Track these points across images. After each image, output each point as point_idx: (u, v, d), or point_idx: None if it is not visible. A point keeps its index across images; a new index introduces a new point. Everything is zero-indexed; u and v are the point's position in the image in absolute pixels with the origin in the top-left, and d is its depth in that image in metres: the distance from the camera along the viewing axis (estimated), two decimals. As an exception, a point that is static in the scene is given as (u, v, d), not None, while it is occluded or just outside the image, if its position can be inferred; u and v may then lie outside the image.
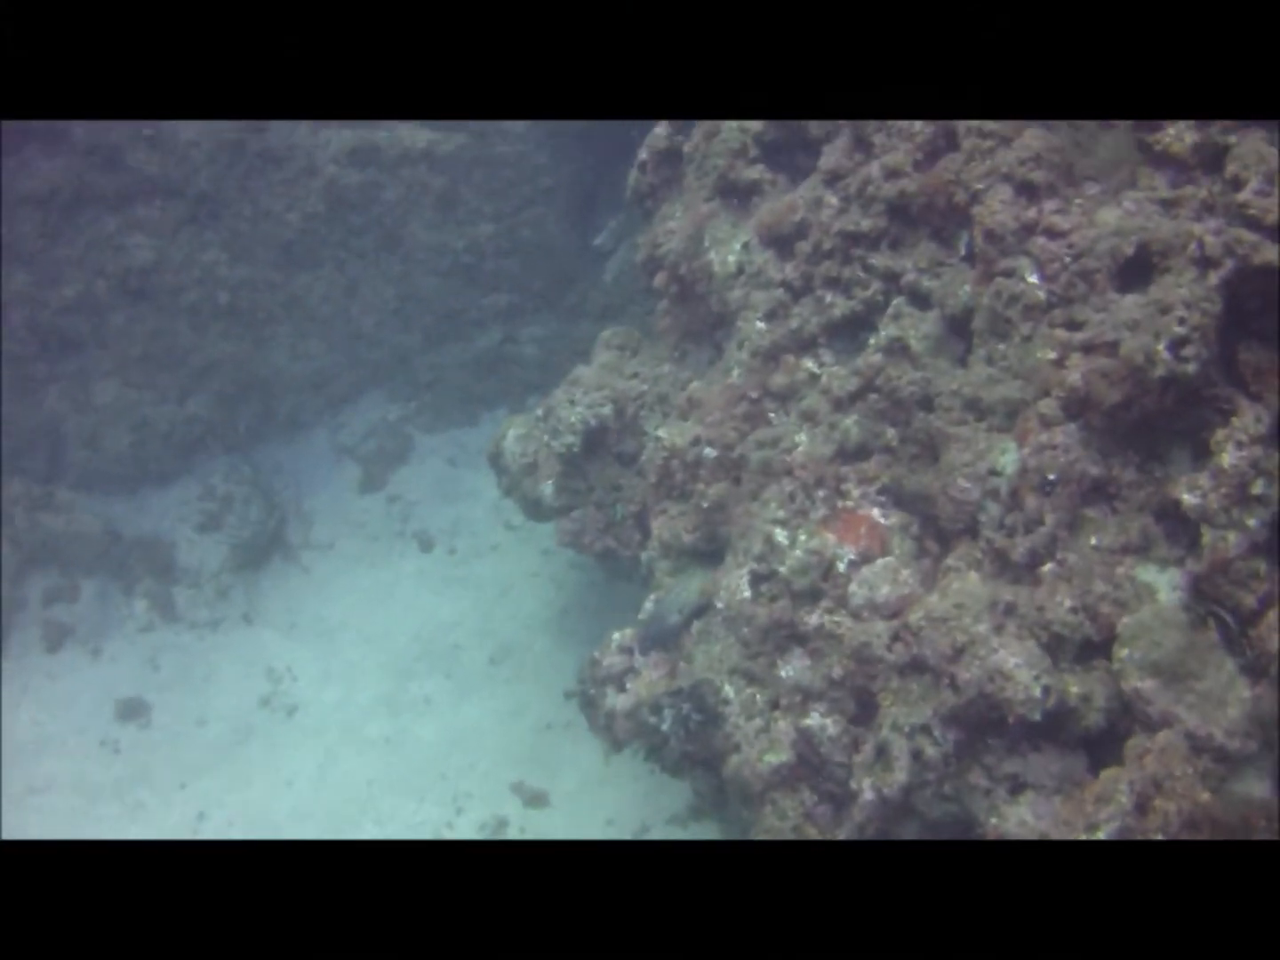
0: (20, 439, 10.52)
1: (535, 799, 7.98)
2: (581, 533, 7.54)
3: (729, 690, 5.74)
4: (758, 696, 5.65)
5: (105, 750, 9.21)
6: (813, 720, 5.37)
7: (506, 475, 7.93)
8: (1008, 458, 4.93)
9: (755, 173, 6.62)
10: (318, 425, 11.07)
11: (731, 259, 6.44)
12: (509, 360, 10.83)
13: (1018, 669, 4.60)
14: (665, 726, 5.80)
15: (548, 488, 7.54)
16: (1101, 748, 4.66)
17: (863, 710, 5.26)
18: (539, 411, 7.62)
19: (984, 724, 4.76)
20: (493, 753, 8.34)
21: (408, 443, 10.88)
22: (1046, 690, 4.55)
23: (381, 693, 9.05)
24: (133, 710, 9.48)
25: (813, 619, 5.46)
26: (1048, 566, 4.78)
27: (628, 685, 6.35)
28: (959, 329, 5.38)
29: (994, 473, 4.98)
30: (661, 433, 6.51)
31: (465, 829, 7.98)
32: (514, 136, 10.19)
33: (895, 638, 5.07)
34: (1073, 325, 4.81)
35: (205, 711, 9.33)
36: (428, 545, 10.07)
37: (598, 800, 7.76)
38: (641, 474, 6.88)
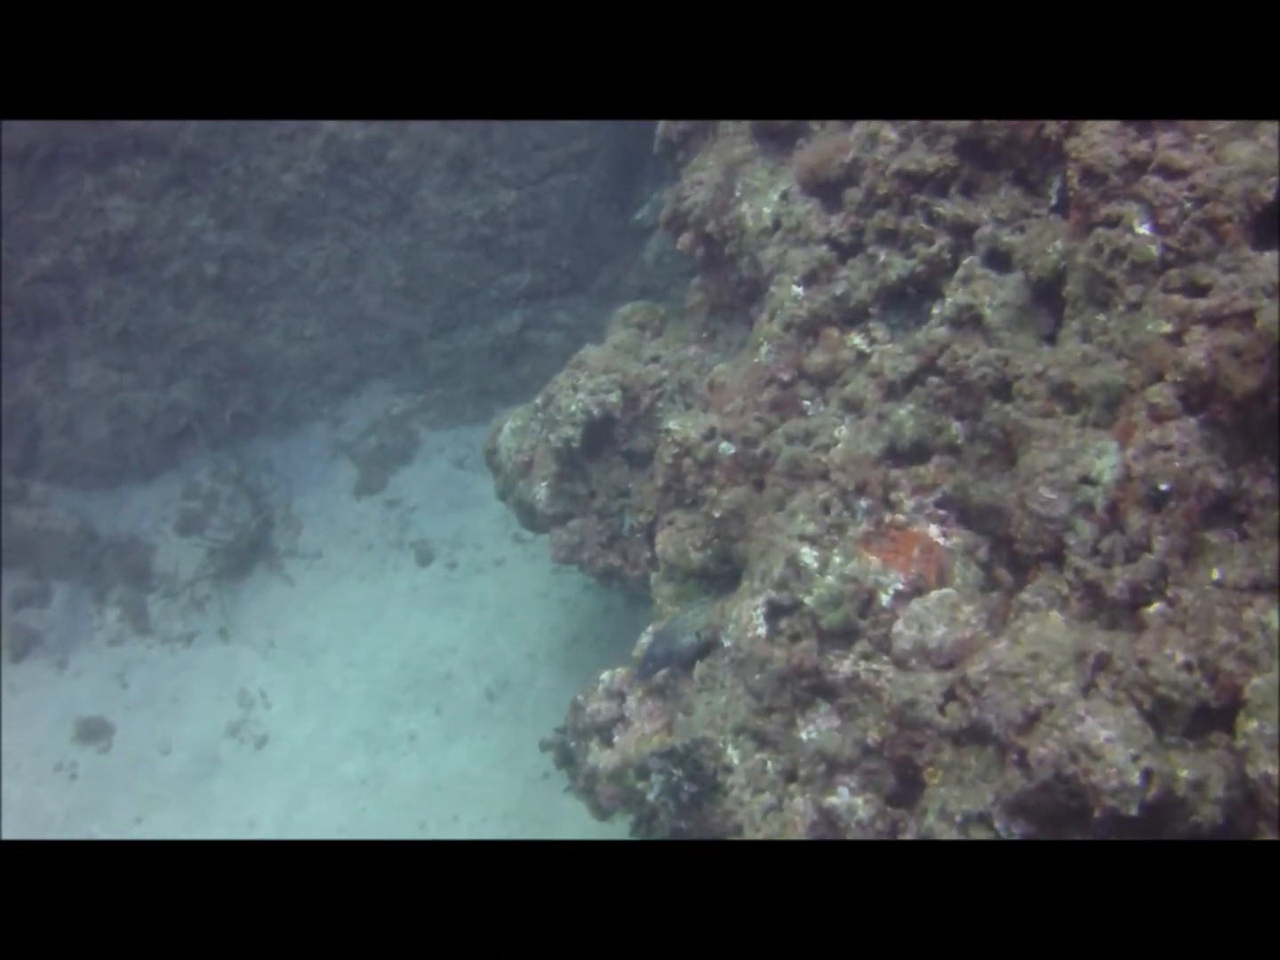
0: (-5, 423, 10.14)
1: (525, 861, 7.07)
2: (580, 547, 6.66)
3: (733, 754, 4.83)
4: (769, 764, 4.75)
5: (61, 775, 8.95)
6: (839, 798, 4.54)
7: (501, 475, 7.08)
8: (1106, 461, 4.18)
9: (802, 110, 5.69)
10: (314, 418, 10.53)
11: (767, 211, 5.66)
12: (531, 349, 10.06)
13: (1110, 745, 3.74)
14: (652, 796, 4.81)
15: (541, 491, 6.65)
16: (1219, 852, 3.90)
17: (904, 788, 4.48)
18: (538, 400, 6.74)
19: (1061, 815, 3.96)
20: (480, 804, 7.76)
21: (412, 440, 10.25)
22: (1147, 775, 3.69)
23: (361, 727, 8.53)
24: (94, 732, 9.19)
25: (844, 666, 4.64)
26: (1154, 607, 3.98)
27: (615, 739, 5.40)
28: (1047, 296, 4.65)
29: (1087, 480, 4.22)
30: (673, 424, 5.65)
31: (442, 892, 7.15)
32: (542, 90, 9.34)
33: (950, 695, 4.30)
34: (1194, 290, 4.05)
35: (170, 737, 8.98)
36: (426, 558, 9.44)
37: (596, 868, 6.85)
38: (653, 477, 5.95)
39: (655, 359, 6.58)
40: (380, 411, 10.37)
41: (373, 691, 8.64)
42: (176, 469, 10.46)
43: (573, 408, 6.34)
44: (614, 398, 6.32)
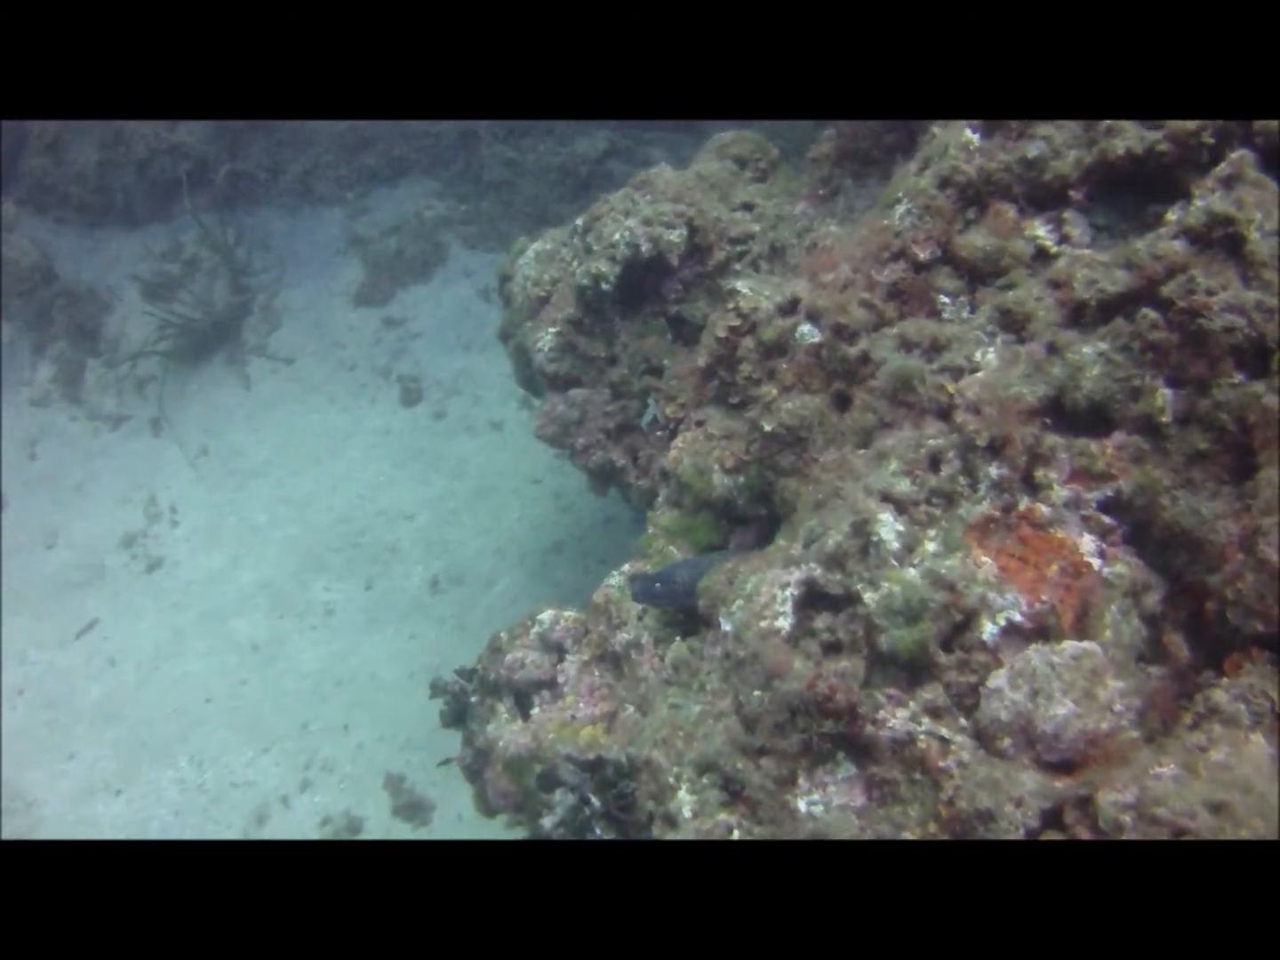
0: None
1: (411, 809, 6.05)
2: (577, 426, 5.09)
3: (684, 800, 3.18)
4: (736, 835, 3.12)
5: (-73, 551, 8.09)
6: (829, 926, 2.86)
7: (510, 309, 5.56)
8: (1402, 511, 2.73)
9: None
10: (333, 201, 9.27)
11: (950, 22, 3.95)
12: (610, 182, 8.50)
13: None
14: (549, 823, 3.20)
15: (547, 339, 5.02)
16: None
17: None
18: (579, 220, 5.15)
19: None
20: (381, 720, 6.46)
21: (438, 254, 8.88)
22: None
23: (274, 578, 7.31)
24: (-19, 505, 8.39)
25: (897, 719, 3.02)
26: None
27: (534, 710, 3.81)
28: (1351, 229, 3.25)
29: (1364, 534, 2.77)
30: (742, 285, 4.03)
31: (301, 814, 6.23)
32: None
33: (1052, 821, 2.80)
34: None
35: (60, 530, 7.92)
36: (413, 398, 8.14)
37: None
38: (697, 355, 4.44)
39: (748, 206, 5.01)
40: (411, 211, 9.02)
41: (300, 540, 7.39)
42: (165, 224, 9.31)
43: (616, 236, 4.72)
44: (675, 236, 4.69)
